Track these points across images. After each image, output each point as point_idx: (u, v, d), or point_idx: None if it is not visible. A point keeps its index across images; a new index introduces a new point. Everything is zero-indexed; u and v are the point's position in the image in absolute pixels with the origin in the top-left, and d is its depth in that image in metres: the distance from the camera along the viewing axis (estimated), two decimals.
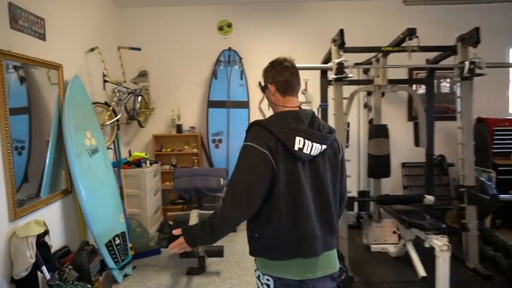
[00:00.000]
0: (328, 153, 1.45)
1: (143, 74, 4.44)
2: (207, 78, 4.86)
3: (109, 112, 3.64)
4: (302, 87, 4.53)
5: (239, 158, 1.39)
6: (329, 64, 3.22)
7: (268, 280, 1.43)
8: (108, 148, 3.92)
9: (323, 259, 1.43)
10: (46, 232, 2.53)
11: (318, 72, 3.61)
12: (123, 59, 4.24)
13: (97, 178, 3.21)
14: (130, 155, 4.30)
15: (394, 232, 3.62)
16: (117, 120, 3.73)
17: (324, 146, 1.41)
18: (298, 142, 1.35)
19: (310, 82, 4.70)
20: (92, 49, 3.62)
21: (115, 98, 3.69)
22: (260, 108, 4.61)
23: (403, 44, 3.30)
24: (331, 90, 3.39)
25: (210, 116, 4.73)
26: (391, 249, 3.53)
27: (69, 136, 2.96)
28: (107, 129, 3.78)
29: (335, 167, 1.46)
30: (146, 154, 4.18)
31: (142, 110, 4.47)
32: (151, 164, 4.25)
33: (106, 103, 3.63)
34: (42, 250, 2.50)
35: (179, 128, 4.79)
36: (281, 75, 1.44)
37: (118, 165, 3.88)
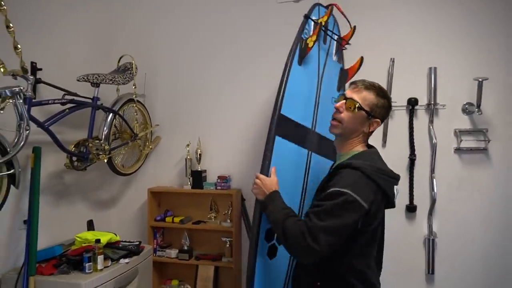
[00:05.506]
0: None
1: (124, 70, 2.22)
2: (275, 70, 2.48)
3: None
4: (469, 95, 2.00)
5: (335, 206, 1.11)
6: None
7: None
8: None
9: None
10: None
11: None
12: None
13: None
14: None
15: None
16: (10, 164, 1.52)
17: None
18: (396, 191, 1.24)
19: (489, 86, 2.07)
20: None
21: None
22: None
23: None
24: None
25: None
26: None
27: None
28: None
29: None
30: (99, 239, 1.85)
31: (122, 140, 2.24)
32: (115, 260, 1.92)
33: None
34: None
35: (197, 178, 2.45)
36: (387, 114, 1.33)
37: (27, 265, 1.65)
